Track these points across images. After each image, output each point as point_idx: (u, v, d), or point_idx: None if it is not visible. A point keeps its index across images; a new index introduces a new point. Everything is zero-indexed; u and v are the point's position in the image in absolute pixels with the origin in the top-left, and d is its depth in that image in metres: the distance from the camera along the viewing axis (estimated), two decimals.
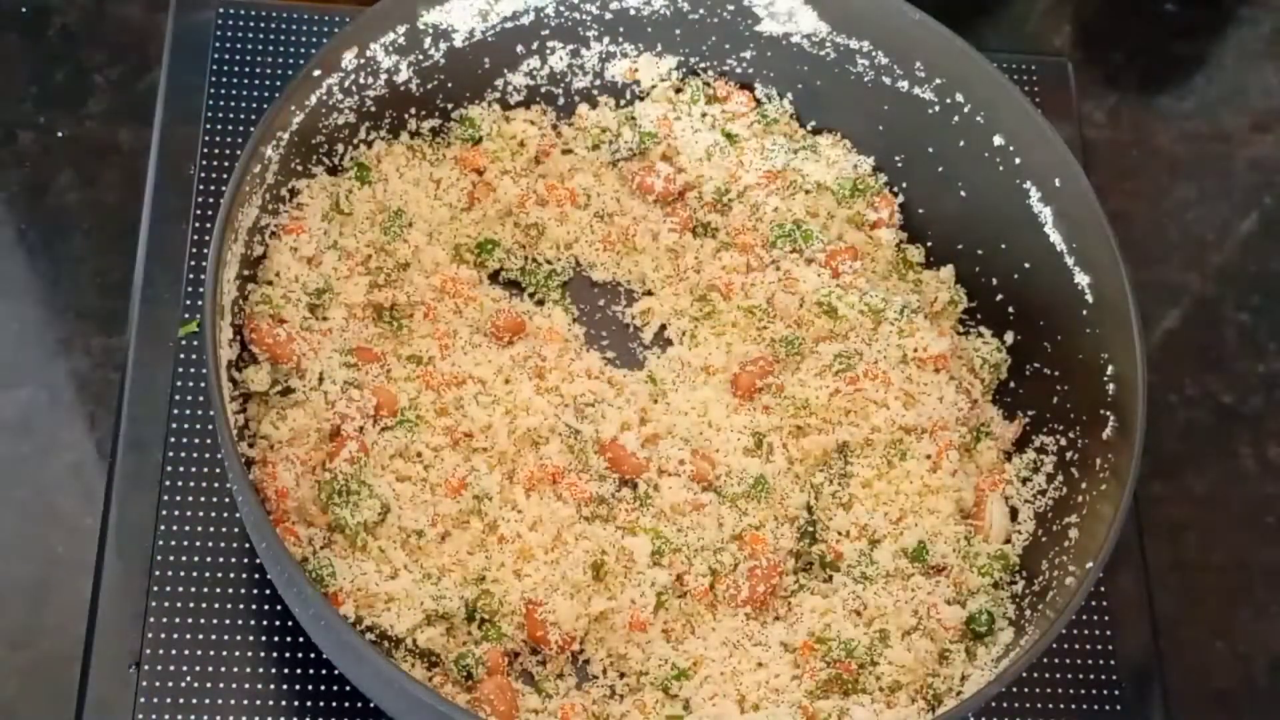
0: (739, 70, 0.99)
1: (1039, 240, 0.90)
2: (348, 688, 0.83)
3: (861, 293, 0.93)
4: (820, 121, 0.99)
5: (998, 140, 0.91)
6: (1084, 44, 1.13)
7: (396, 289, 0.90)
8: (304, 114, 0.85)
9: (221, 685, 0.82)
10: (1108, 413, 0.84)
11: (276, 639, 0.84)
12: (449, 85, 0.94)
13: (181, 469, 0.87)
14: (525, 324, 0.92)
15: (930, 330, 0.93)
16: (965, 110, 0.92)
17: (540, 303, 0.95)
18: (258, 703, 0.82)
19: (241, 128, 0.97)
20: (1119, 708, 0.89)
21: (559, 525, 0.85)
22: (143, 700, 0.81)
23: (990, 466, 0.91)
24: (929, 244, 0.98)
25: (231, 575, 0.85)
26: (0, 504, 0.88)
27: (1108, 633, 0.91)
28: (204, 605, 0.84)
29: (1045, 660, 0.89)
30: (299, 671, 0.83)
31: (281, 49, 1.01)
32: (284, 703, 0.82)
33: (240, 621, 0.84)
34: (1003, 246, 0.94)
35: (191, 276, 0.93)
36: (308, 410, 0.83)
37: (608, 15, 0.95)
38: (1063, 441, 0.88)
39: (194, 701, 0.81)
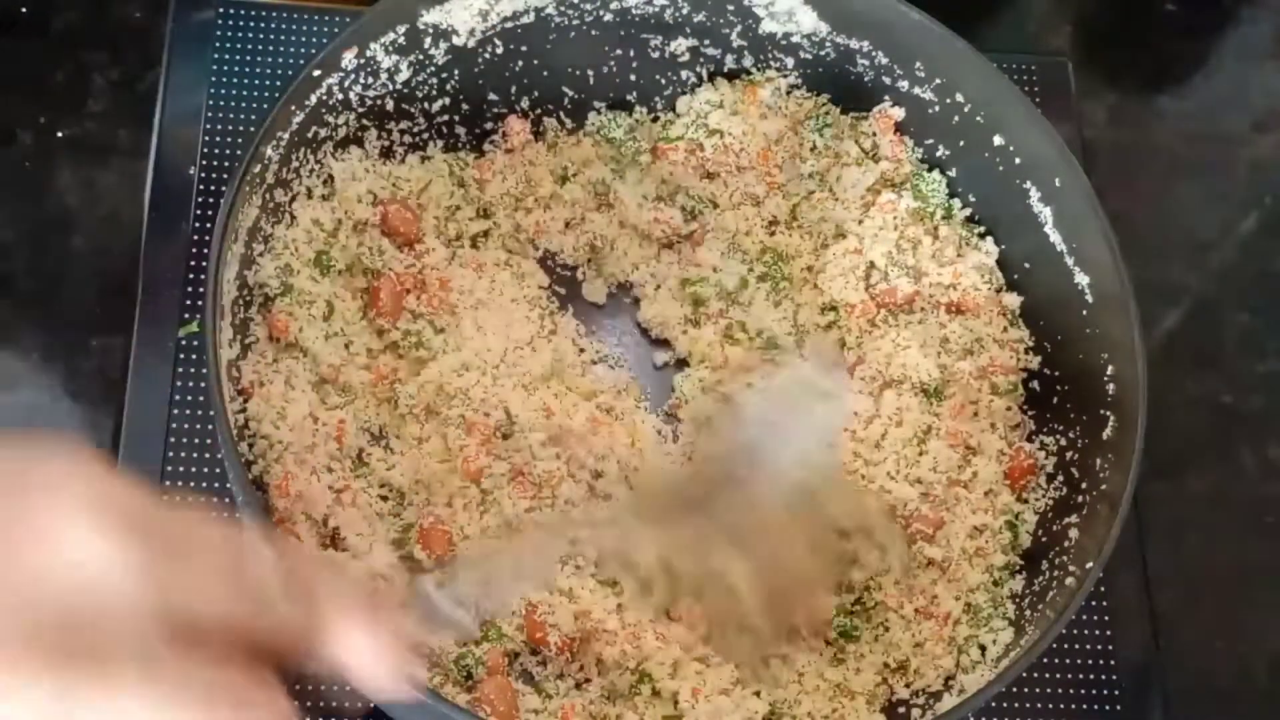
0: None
1: (1039, 240, 0.90)
2: (347, 688, 0.83)
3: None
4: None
5: (998, 140, 0.91)
6: (1084, 44, 1.13)
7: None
8: (304, 114, 0.85)
9: None
10: (1108, 413, 0.84)
11: None
12: (448, 87, 0.94)
13: (181, 469, 0.87)
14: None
15: None
16: (965, 110, 0.92)
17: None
18: None
19: (241, 128, 0.97)
20: (1119, 708, 0.89)
21: None
22: None
23: None
24: None
25: None
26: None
27: (1108, 633, 0.91)
28: None
29: (1045, 660, 0.89)
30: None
31: (281, 49, 1.01)
32: None
33: None
34: (1003, 246, 0.94)
35: (191, 277, 0.93)
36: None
37: (607, 16, 0.95)
38: (1063, 441, 0.88)
39: None
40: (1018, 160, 0.91)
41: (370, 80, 0.89)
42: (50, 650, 0.43)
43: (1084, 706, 0.88)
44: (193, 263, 0.93)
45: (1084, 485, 0.85)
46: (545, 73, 0.96)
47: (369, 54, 0.88)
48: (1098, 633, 0.90)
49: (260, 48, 1.00)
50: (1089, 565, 0.78)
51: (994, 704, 0.87)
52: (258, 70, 0.99)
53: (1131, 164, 1.09)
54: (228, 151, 0.96)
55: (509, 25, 0.93)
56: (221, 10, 1.01)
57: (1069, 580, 0.80)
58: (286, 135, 0.84)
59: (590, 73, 0.97)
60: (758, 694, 0.82)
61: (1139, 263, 0.87)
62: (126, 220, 0.95)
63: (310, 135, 0.87)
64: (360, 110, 0.90)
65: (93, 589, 0.44)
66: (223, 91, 0.98)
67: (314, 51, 0.87)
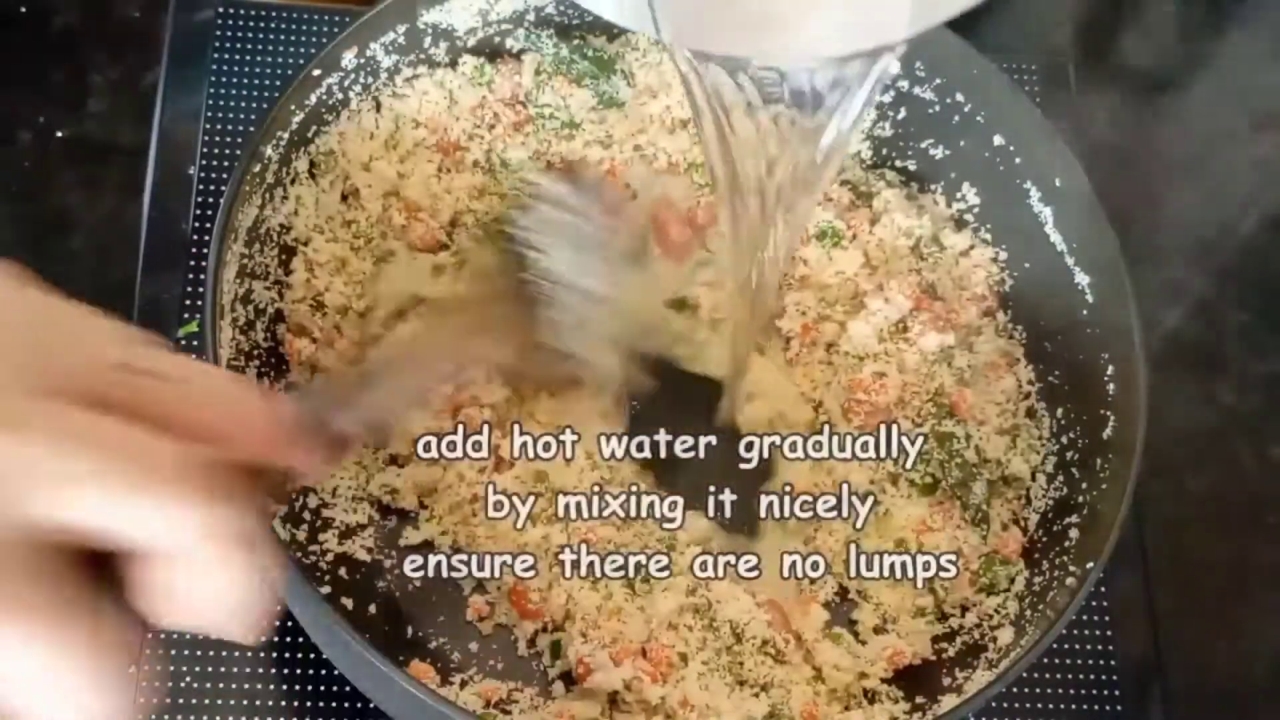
0: None
1: (1039, 240, 0.90)
2: (348, 688, 0.83)
3: None
4: None
5: (998, 140, 0.91)
6: (1084, 44, 1.13)
7: None
8: (304, 114, 0.85)
9: (221, 685, 0.82)
10: (1108, 413, 0.84)
11: (277, 639, 0.84)
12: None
13: None
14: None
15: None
16: (965, 110, 0.92)
17: None
18: (258, 703, 0.82)
19: (241, 128, 0.97)
20: (1119, 708, 0.89)
21: None
22: (142, 700, 0.81)
23: None
24: None
25: None
26: None
27: (1108, 633, 0.91)
28: None
29: (1045, 660, 0.89)
30: (299, 671, 0.83)
31: (281, 49, 1.01)
32: (284, 703, 0.82)
33: None
34: (1003, 246, 0.94)
35: (191, 277, 0.93)
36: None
37: None
38: (1063, 441, 0.88)
39: (194, 702, 0.81)
40: (1018, 160, 0.91)
41: (370, 80, 0.89)
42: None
43: (1084, 706, 0.88)
44: (193, 263, 0.93)
45: (1084, 485, 0.85)
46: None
47: (369, 54, 0.88)
48: (1098, 633, 0.90)
49: (260, 48, 1.00)
50: (1089, 565, 0.78)
51: (994, 704, 0.87)
52: (258, 70, 0.99)
53: (1131, 164, 1.09)
54: (228, 151, 0.96)
55: (509, 25, 0.93)
56: (221, 10, 1.01)
57: (1069, 580, 0.80)
58: (286, 135, 0.84)
59: None
60: (757, 694, 0.82)
61: (1139, 263, 0.87)
62: (126, 220, 0.95)
63: (310, 135, 0.87)
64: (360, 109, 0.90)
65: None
66: (222, 91, 0.98)
67: (314, 51, 0.87)
